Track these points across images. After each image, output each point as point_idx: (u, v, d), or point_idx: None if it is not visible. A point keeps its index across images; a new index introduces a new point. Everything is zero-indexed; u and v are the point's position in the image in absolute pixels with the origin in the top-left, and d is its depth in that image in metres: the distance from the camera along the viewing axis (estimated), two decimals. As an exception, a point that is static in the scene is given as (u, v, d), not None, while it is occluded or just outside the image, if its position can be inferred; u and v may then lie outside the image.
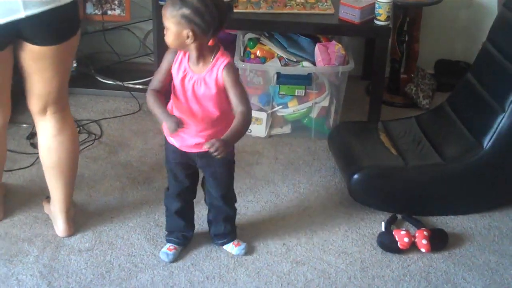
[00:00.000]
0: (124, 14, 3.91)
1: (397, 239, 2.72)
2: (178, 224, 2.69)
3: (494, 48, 3.02)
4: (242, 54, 3.49)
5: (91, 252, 2.71)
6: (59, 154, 2.67)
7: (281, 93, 3.40)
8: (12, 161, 3.26)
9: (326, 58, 3.34)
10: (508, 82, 2.85)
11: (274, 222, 2.91)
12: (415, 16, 3.74)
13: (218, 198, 2.63)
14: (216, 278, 2.61)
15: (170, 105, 2.41)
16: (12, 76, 2.58)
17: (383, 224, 2.84)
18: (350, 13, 3.32)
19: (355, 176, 2.87)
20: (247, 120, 2.32)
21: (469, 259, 2.72)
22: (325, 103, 3.43)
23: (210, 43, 2.24)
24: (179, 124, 2.26)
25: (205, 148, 2.21)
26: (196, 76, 2.31)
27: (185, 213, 2.68)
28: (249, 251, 2.73)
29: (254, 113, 3.45)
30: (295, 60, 3.43)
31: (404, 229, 2.79)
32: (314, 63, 3.39)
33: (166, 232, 2.73)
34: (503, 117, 2.82)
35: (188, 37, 2.20)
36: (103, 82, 3.96)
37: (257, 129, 3.50)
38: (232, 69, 2.30)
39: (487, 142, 2.85)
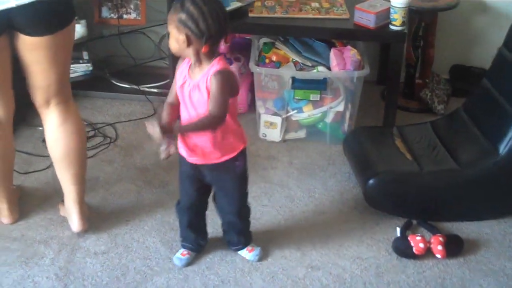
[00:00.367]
0: (139, 18, 3.93)
1: (412, 244, 2.71)
2: (190, 236, 2.70)
3: (510, 53, 3.01)
4: (257, 59, 3.49)
5: (106, 255, 2.73)
6: (65, 143, 2.69)
7: (296, 97, 3.40)
8: (28, 164, 3.28)
9: (341, 63, 3.34)
10: (525, 88, 2.85)
11: (289, 227, 2.91)
12: (430, 21, 3.73)
13: (231, 213, 2.63)
14: (231, 282, 2.61)
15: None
16: (11, 68, 2.59)
17: (398, 229, 2.84)
18: (365, 18, 3.31)
19: (371, 181, 2.87)
20: (210, 123, 2.29)
21: (485, 265, 2.71)
22: (340, 108, 3.43)
23: (203, 50, 2.24)
24: (167, 149, 2.35)
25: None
26: (192, 83, 2.32)
27: (196, 226, 2.68)
28: (263, 256, 2.73)
29: (269, 118, 3.46)
30: (310, 64, 3.44)
31: (419, 234, 2.78)
32: (329, 68, 3.39)
33: (181, 238, 2.74)
34: (519, 123, 2.81)
35: (183, 41, 2.22)
36: (119, 85, 3.98)
37: (272, 134, 3.51)
38: (221, 76, 2.26)
39: (503, 147, 2.84)
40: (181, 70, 2.38)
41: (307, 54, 3.46)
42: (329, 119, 3.47)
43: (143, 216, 2.94)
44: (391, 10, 3.28)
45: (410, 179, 2.93)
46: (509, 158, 2.84)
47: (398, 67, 3.42)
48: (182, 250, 2.71)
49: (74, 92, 3.82)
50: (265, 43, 3.56)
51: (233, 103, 2.36)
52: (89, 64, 3.82)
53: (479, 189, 2.90)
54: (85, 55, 3.83)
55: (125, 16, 3.92)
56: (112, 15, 3.91)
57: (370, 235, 2.86)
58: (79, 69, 3.80)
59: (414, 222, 2.90)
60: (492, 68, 3.17)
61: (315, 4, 3.55)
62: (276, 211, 3.00)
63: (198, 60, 2.29)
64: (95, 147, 3.45)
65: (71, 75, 3.68)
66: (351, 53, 3.36)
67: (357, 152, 3.16)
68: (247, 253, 2.72)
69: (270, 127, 3.49)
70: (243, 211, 2.66)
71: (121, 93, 3.93)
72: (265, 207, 3.02)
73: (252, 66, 3.37)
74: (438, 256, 2.71)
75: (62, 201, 2.88)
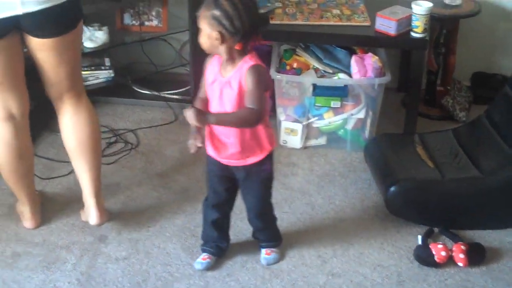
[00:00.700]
0: (161, 25, 3.95)
1: (434, 252, 2.70)
2: (212, 234, 2.70)
3: (533, 61, 3.00)
4: (278, 66, 3.50)
5: (127, 261, 2.74)
6: (77, 133, 2.75)
7: (317, 104, 3.40)
8: (50, 169, 3.31)
9: (363, 70, 3.33)
10: (548, 95, 2.83)
11: (309, 234, 2.90)
12: (452, 28, 3.72)
13: (251, 212, 2.64)
14: (252, 288, 2.61)
15: None
16: (23, 65, 2.63)
17: (419, 237, 2.83)
18: (386, 25, 3.31)
19: (392, 189, 2.86)
20: (248, 117, 2.27)
21: (507, 274, 2.69)
22: (361, 115, 3.42)
23: (237, 47, 2.25)
24: (194, 141, 2.39)
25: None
26: (224, 80, 2.32)
27: (220, 225, 2.69)
28: (277, 262, 2.73)
29: (290, 124, 3.46)
30: (331, 71, 3.43)
31: (441, 242, 2.76)
32: (350, 75, 3.39)
33: (202, 242, 2.74)
34: (542, 130, 2.80)
35: (217, 38, 2.22)
36: (140, 92, 4.00)
37: (293, 140, 3.51)
38: (257, 71, 2.26)
39: (526, 155, 2.83)
40: (212, 67, 2.37)
41: (328, 61, 3.46)
42: (350, 126, 3.46)
43: (164, 222, 2.95)
44: (413, 17, 3.28)
45: (432, 186, 2.92)
46: (532, 166, 2.83)
47: (419, 74, 3.41)
48: (203, 255, 2.72)
49: (96, 98, 3.90)
50: (285, 50, 3.56)
51: (265, 100, 2.35)
52: (111, 71, 3.84)
53: (501, 197, 2.88)
54: (107, 61, 3.86)
55: (146, 23, 3.94)
56: (134, 22, 3.93)
57: (391, 242, 2.85)
58: (101, 75, 3.82)
59: (436, 230, 2.89)
60: (514, 75, 3.16)
61: (336, 11, 3.55)
62: (297, 218, 3.00)
63: (231, 57, 2.28)
64: (117, 153, 3.47)
65: (93, 82, 3.78)
66: (372, 60, 3.35)
67: (378, 159, 3.15)
68: (263, 254, 2.73)
69: (291, 134, 3.49)
70: (264, 215, 2.67)
71: (142, 100, 3.95)
72: (285, 213, 3.01)
73: (273, 73, 3.37)
74: (460, 264, 2.70)
75: (84, 206, 2.90)
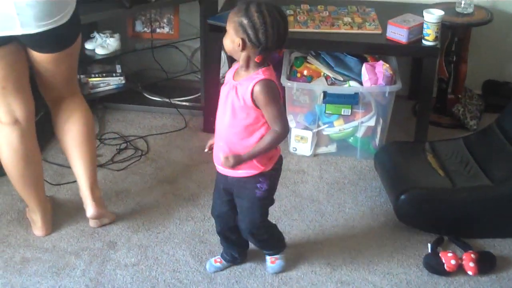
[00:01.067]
0: (172, 32, 3.96)
1: (443, 261, 2.68)
2: (222, 243, 2.71)
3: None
4: (288, 73, 3.50)
5: (136, 267, 2.74)
6: (70, 126, 2.81)
7: (327, 112, 3.39)
8: (60, 176, 3.32)
9: (373, 77, 3.33)
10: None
11: (318, 242, 2.90)
12: (463, 36, 3.71)
13: (246, 234, 2.58)
14: (260, 296, 2.61)
15: None
16: (27, 70, 2.68)
17: (429, 245, 2.81)
18: (397, 33, 3.30)
19: (402, 197, 2.85)
20: (276, 140, 2.32)
21: (518, 283, 2.68)
22: (372, 122, 3.42)
23: (256, 59, 2.25)
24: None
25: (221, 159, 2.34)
26: (233, 83, 2.32)
27: (226, 236, 2.66)
28: (284, 271, 2.71)
29: (300, 132, 3.46)
30: (341, 79, 3.43)
31: (451, 251, 2.75)
32: (361, 83, 3.38)
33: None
34: (554, 139, 2.78)
35: (239, 45, 2.22)
36: (151, 98, 4.01)
37: (303, 148, 3.50)
38: (266, 86, 2.25)
39: (537, 164, 2.82)
40: (231, 70, 2.38)
41: (338, 68, 3.46)
42: (360, 133, 3.45)
43: (173, 229, 2.95)
44: (424, 25, 3.27)
45: (442, 195, 2.90)
46: (543, 175, 2.81)
47: (430, 82, 3.40)
48: (217, 257, 2.73)
49: (106, 104, 3.93)
50: (296, 58, 3.56)
51: (284, 112, 2.36)
52: (122, 77, 3.86)
53: (512, 205, 2.87)
54: (118, 68, 3.87)
55: (158, 30, 3.96)
56: (146, 29, 3.95)
57: (401, 250, 2.84)
58: (112, 82, 3.84)
59: (446, 238, 2.87)
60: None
61: (347, 19, 3.55)
62: (306, 225, 2.99)
63: (246, 65, 2.28)
64: (127, 159, 3.48)
65: (105, 88, 3.80)
66: (383, 68, 3.35)
67: (388, 167, 3.14)
68: (268, 263, 2.71)
69: (301, 141, 3.48)
70: (256, 235, 2.59)
71: (153, 106, 3.97)
72: (295, 221, 3.01)
73: (284, 80, 3.37)
74: (470, 273, 2.68)
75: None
